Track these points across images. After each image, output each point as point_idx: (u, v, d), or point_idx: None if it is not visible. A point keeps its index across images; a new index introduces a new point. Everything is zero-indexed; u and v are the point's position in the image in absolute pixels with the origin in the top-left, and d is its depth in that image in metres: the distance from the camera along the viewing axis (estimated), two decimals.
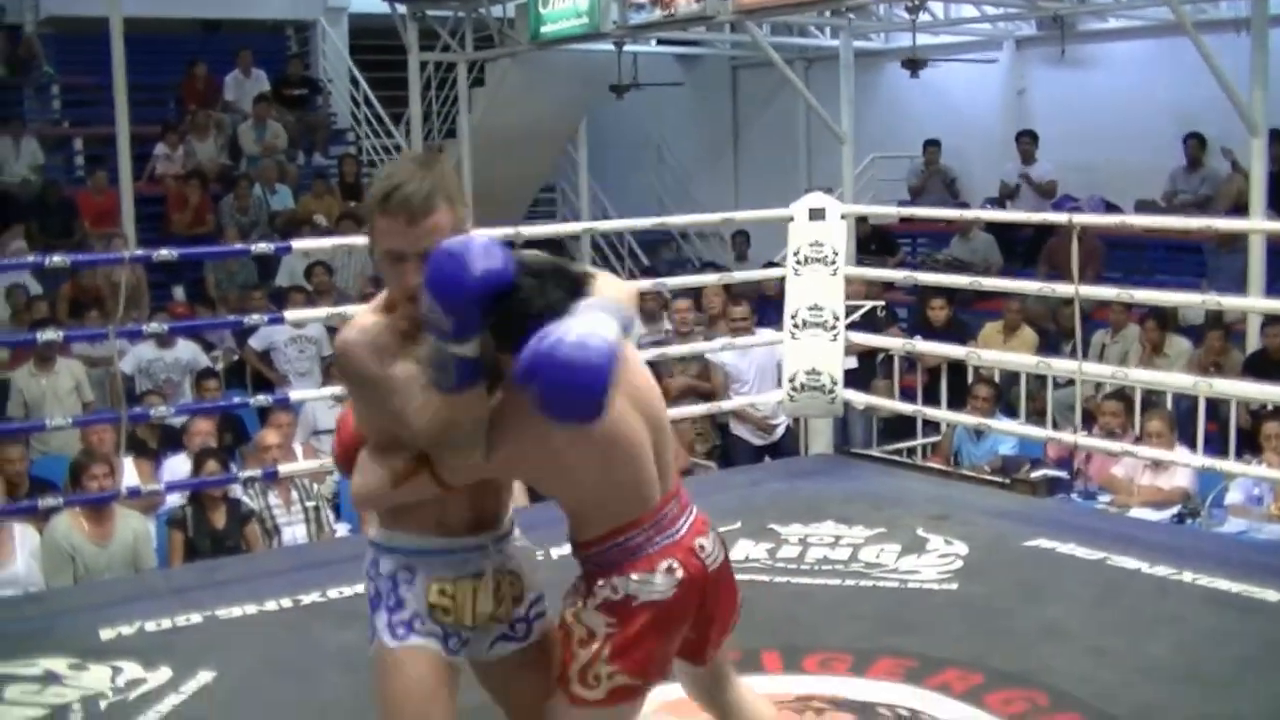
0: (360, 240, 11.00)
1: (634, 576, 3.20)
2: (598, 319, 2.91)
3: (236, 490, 7.74)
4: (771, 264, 10.60)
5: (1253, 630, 5.51)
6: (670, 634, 3.28)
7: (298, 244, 8.55)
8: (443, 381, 2.95)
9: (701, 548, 3.32)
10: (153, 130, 15.71)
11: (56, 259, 6.99)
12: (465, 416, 3.03)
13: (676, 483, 3.39)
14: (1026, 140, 14.98)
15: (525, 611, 3.37)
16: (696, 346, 9.36)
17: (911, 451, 9.58)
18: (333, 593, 6.00)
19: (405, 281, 2.98)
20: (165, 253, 7.13)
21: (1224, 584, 5.97)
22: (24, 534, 7.22)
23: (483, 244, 2.89)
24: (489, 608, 3.26)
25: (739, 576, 5.99)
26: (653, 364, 9.66)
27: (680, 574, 3.23)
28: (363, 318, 3.11)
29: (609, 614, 3.20)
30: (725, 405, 9.00)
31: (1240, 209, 11.78)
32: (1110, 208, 13.61)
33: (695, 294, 10.68)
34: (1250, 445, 8.27)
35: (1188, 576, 6.08)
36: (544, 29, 14.17)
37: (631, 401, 3.18)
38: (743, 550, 6.45)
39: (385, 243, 2.98)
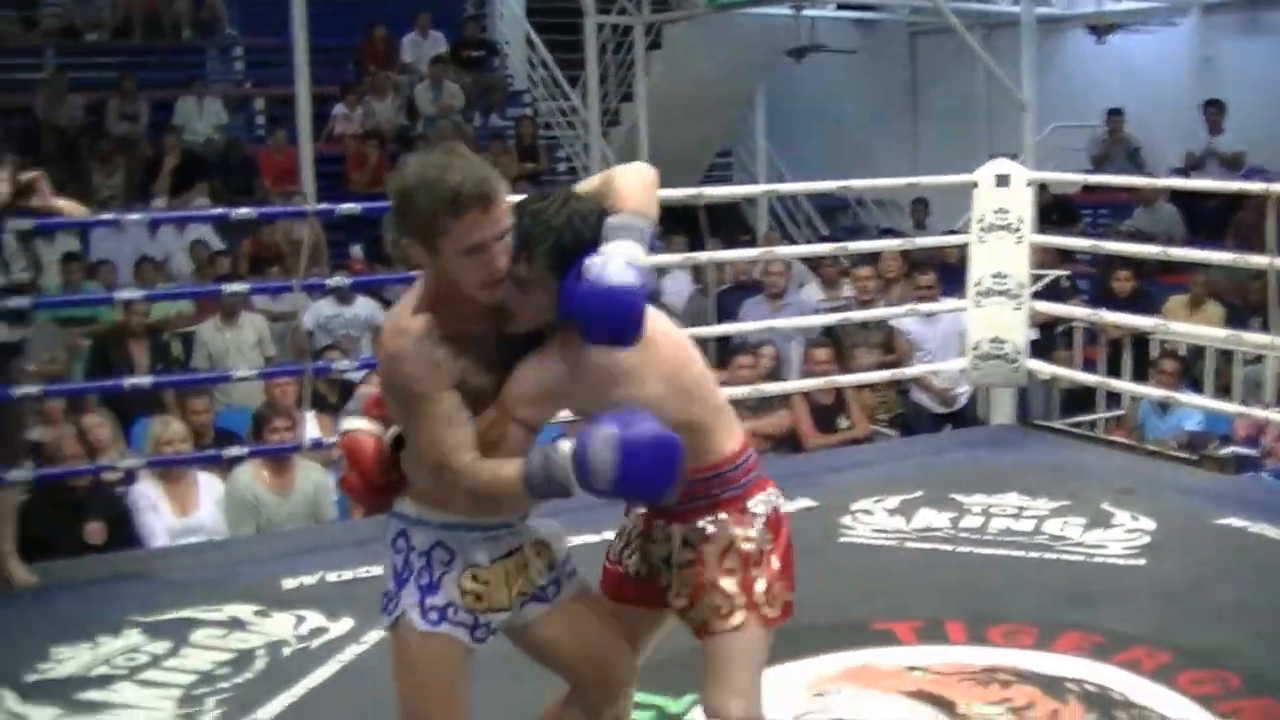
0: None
1: (772, 490, 3.31)
2: (624, 247, 2.96)
3: None
4: (951, 232, 10.46)
5: None
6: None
7: None
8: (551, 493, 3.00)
9: None
10: (332, 90, 15.86)
11: (243, 211, 7.07)
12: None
13: None
14: (1213, 110, 14.63)
15: (556, 574, 3.34)
16: (880, 312, 9.27)
17: (1093, 424, 9.41)
18: None
19: (495, 265, 2.93)
20: (348, 206, 7.19)
21: None
22: (209, 483, 7.34)
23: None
24: (524, 585, 3.25)
25: (922, 545, 6.05)
26: (833, 330, 9.65)
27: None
28: (409, 320, 3.01)
29: (769, 530, 3.25)
30: (907, 372, 8.89)
31: None
32: None
33: (874, 261, 10.57)
34: None
35: None
36: None
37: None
38: (925, 519, 6.38)
39: (468, 239, 2.89)
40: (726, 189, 11.31)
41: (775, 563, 3.25)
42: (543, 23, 17.51)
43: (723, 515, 3.23)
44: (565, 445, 2.93)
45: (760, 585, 3.23)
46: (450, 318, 3.00)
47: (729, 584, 3.22)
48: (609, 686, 3.48)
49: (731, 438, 3.25)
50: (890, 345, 9.77)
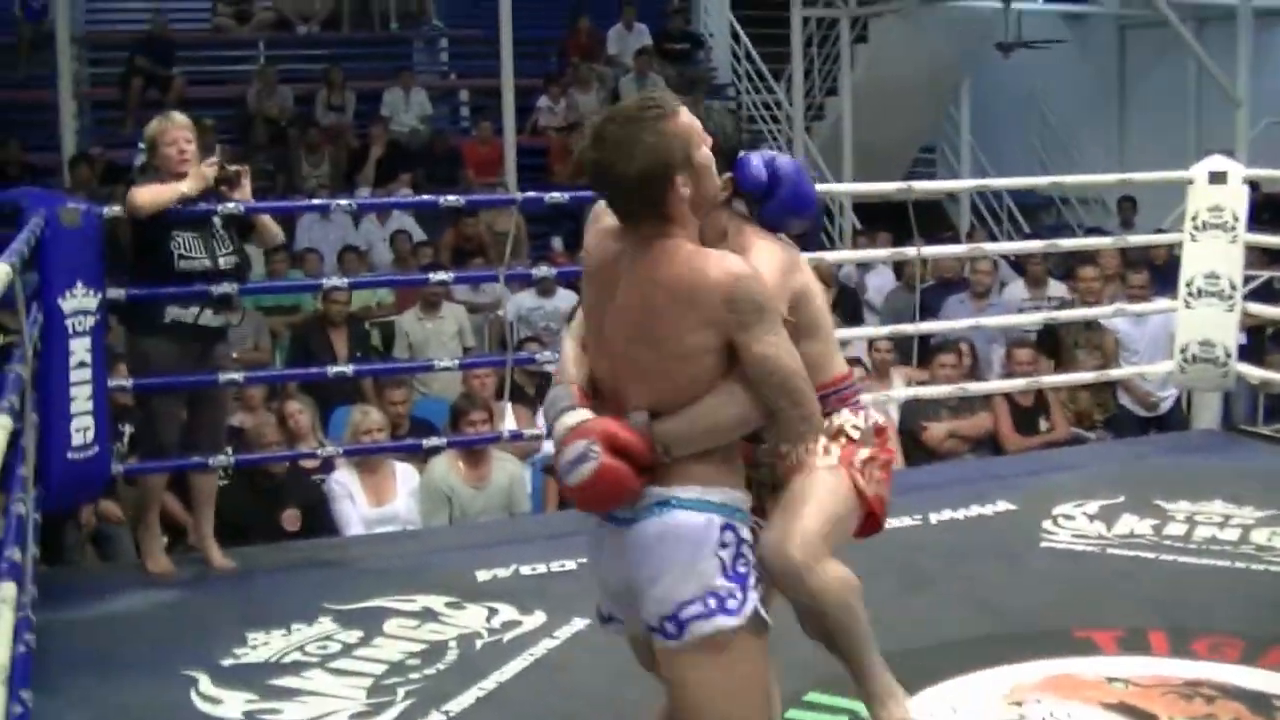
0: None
1: (874, 412, 3.60)
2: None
3: None
4: (1159, 231, 10.22)
5: None
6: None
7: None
8: None
9: None
10: (535, 82, 15.94)
11: (450, 198, 7.10)
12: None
13: None
14: None
15: None
16: (1088, 312, 9.07)
17: None
18: None
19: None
20: (555, 196, 7.19)
21: None
22: (405, 473, 7.40)
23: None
24: None
25: (1124, 552, 5.90)
26: (1052, 330, 9.47)
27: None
28: (725, 256, 3.04)
29: (876, 435, 3.52)
30: (1112, 374, 8.68)
31: None
32: None
33: (1094, 260, 10.38)
34: None
35: None
36: None
37: None
38: (1127, 525, 6.24)
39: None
40: (934, 184, 11.20)
41: (882, 455, 3.49)
42: (748, 15, 17.43)
43: (833, 412, 3.45)
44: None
45: (862, 454, 3.44)
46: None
47: (832, 447, 3.43)
48: None
49: (841, 364, 3.55)
50: (1099, 343, 9.58)
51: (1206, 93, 15.80)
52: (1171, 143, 15.42)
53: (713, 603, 3.01)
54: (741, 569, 3.04)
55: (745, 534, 3.07)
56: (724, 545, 3.02)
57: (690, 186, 3.01)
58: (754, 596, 3.06)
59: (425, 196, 10.84)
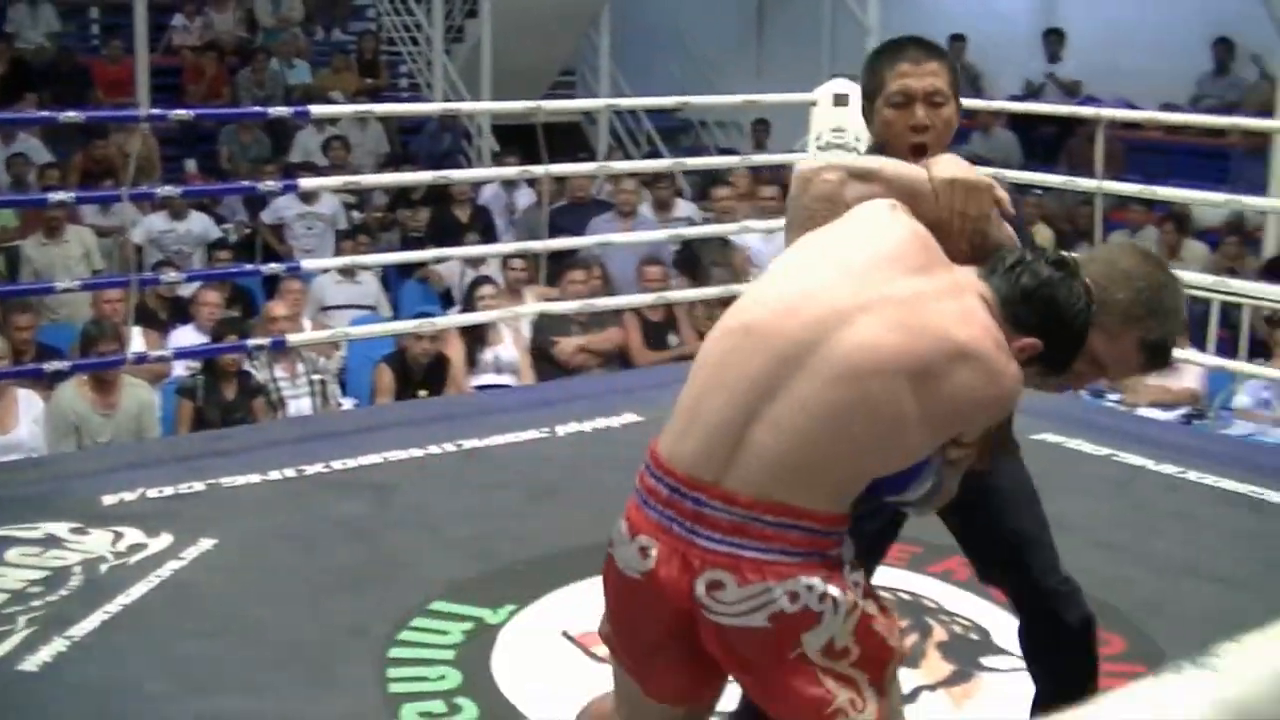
0: (384, 110, 11.14)
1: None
2: None
3: (247, 364, 7.71)
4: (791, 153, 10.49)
5: (1260, 529, 5.49)
6: (623, 622, 2.72)
7: (316, 110, 8.52)
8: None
9: None
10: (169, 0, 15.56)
11: (70, 114, 6.88)
12: None
13: None
14: (1053, 39, 14.83)
15: None
16: (719, 229, 9.31)
17: None
18: (336, 464, 5.98)
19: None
20: (182, 112, 7.03)
21: (1230, 484, 5.95)
22: (29, 400, 7.18)
23: None
24: None
25: None
26: (690, 247, 9.68)
27: (650, 565, 2.57)
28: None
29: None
30: (737, 288, 8.90)
31: (1267, 114, 11.66)
32: (1134, 110, 13.48)
33: (726, 180, 10.66)
34: (1261, 351, 8.24)
35: (1194, 475, 6.06)
36: None
37: None
38: None
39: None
40: (564, 103, 11.27)
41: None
42: None
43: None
44: None
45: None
46: None
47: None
48: None
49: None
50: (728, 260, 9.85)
51: (840, 22, 16.25)
52: (807, 70, 15.77)
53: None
54: None
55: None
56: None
57: None
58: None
59: (44, 113, 10.46)
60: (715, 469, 2.44)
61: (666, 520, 2.48)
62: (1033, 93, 14.65)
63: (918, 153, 3.07)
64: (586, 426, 6.54)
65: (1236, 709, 0.68)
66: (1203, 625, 4.51)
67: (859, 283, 2.46)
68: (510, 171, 8.92)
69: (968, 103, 11.03)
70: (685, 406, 2.54)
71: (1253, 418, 7.82)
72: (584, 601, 4.66)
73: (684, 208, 10.89)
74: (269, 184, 7.83)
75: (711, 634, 2.48)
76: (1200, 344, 7.84)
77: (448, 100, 14.73)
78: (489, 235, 10.76)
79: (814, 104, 7.88)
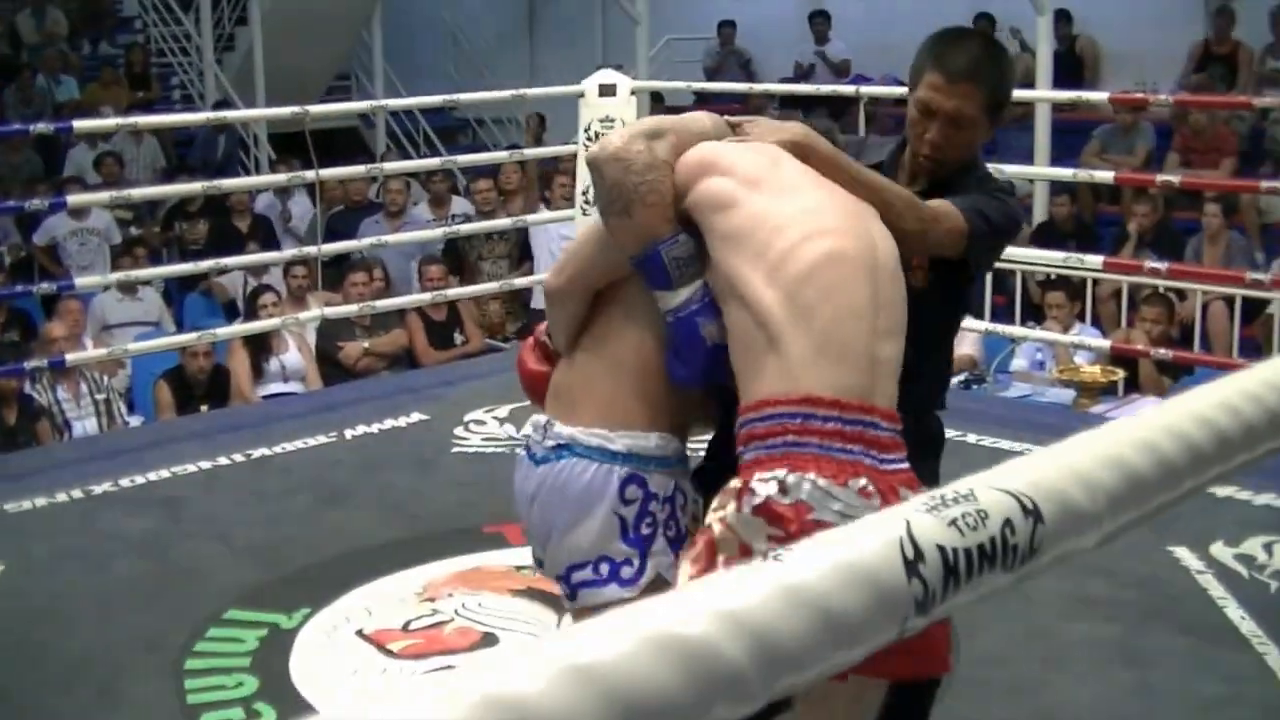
0: (149, 123, 11.00)
1: (815, 478, 2.49)
2: None
3: (28, 388, 7.60)
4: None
5: None
6: None
7: (79, 125, 8.38)
8: None
9: None
10: None
11: None
12: None
13: None
14: (820, 21, 15.09)
15: None
16: (487, 225, 9.40)
17: None
18: (124, 481, 5.92)
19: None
20: None
21: (1007, 443, 6.15)
22: None
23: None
24: None
25: (503, 451, 6.16)
26: (455, 243, 9.73)
27: (877, 503, 2.46)
28: None
29: (772, 522, 2.45)
30: (517, 283, 8.97)
31: (1028, 87, 12.02)
32: (903, 87, 13.77)
33: (493, 174, 10.72)
34: (1035, 315, 8.53)
35: (972, 437, 6.26)
36: None
37: None
38: (507, 430, 6.48)
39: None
40: (331, 106, 11.17)
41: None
42: None
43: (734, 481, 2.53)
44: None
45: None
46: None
47: (686, 572, 2.53)
48: None
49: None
50: (517, 259, 9.93)
51: (611, 13, 16.37)
52: (581, 63, 15.86)
53: (604, 569, 2.72)
54: (645, 530, 2.71)
55: (658, 488, 2.73)
56: (626, 502, 2.71)
57: None
58: (656, 564, 2.71)
59: None
60: (871, 390, 2.50)
61: (859, 455, 2.45)
62: (803, 74, 14.89)
63: (925, 171, 3.02)
64: (374, 428, 6.56)
65: (799, 594, 0.77)
66: None
67: (838, 201, 2.67)
68: (281, 178, 8.87)
69: (735, 86, 11.21)
70: (819, 344, 2.49)
71: (1028, 379, 8.10)
72: (377, 600, 4.73)
73: (460, 204, 10.93)
74: (35, 202, 7.70)
75: None
76: (978, 311, 8.10)
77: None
78: (269, 244, 10.68)
79: (582, 95, 7.97)
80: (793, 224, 2.57)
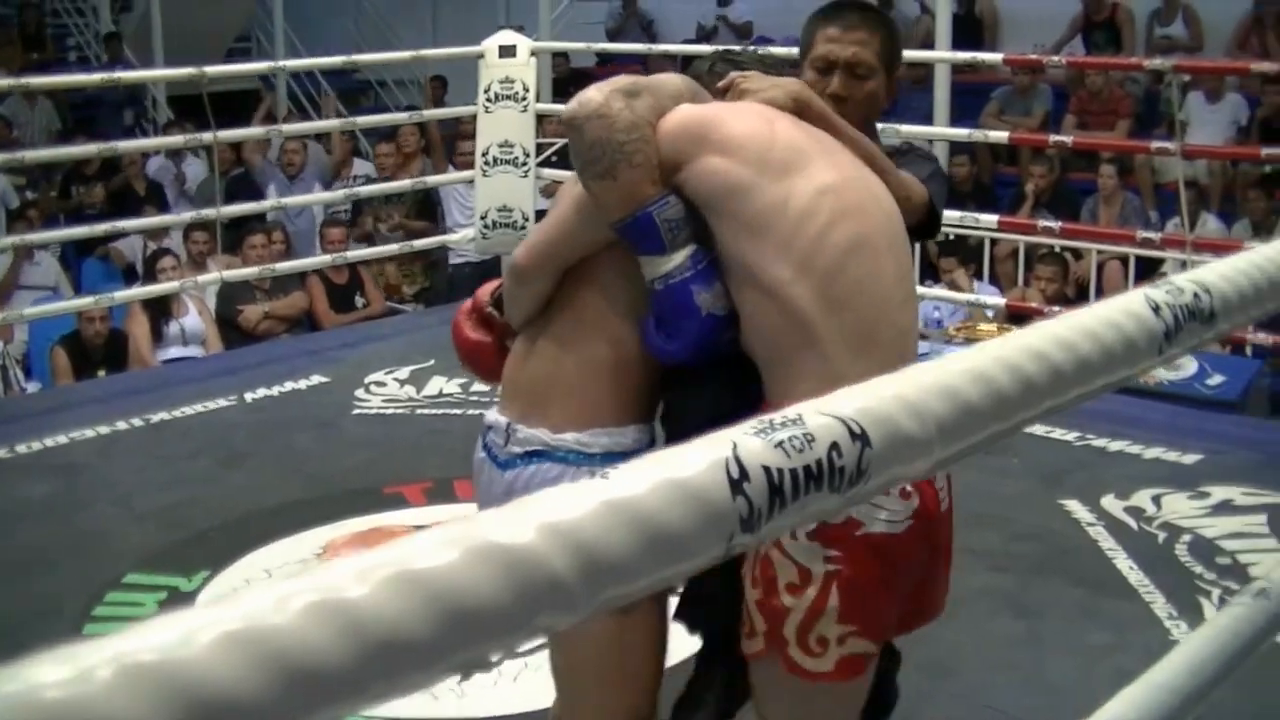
0: (42, 83, 10.86)
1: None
2: None
3: None
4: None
5: None
6: (900, 585, 2.50)
7: None
8: None
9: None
10: None
11: None
12: None
13: None
14: None
15: None
16: (387, 187, 9.38)
17: None
18: (20, 448, 5.88)
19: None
20: None
21: None
22: None
23: None
24: None
25: (433, 411, 6.20)
26: (359, 205, 9.71)
27: (916, 502, 2.45)
28: None
29: (828, 544, 2.39)
30: (417, 244, 8.93)
31: (928, 48, 12.11)
32: None
33: (392, 137, 10.69)
34: (932, 275, 8.63)
35: None
36: None
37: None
38: (436, 386, 6.53)
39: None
40: (229, 67, 11.09)
41: (832, 596, 2.39)
42: None
43: None
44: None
45: (793, 620, 2.41)
46: None
47: (751, 597, 2.47)
48: None
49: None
50: (410, 222, 9.91)
51: None
52: (483, 26, 15.79)
53: None
54: None
55: None
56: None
57: None
58: None
59: None
60: None
61: None
62: (705, 36, 14.91)
63: None
64: (274, 391, 6.55)
65: (624, 509, 0.81)
66: None
67: (848, 170, 2.58)
68: (178, 140, 8.79)
69: (638, 47, 11.23)
70: (855, 342, 2.43)
71: (926, 336, 8.20)
72: (277, 561, 4.74)
73: (360, 167, 10.90)
74: None
75: (947, 526, 2.56)
76: None
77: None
78: (164, 208, 10.62)
79: (481, 56, 7.97)
80: (815, 210, 2.45)
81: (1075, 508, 5.10)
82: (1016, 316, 7.69)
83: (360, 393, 6.49)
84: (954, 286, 8.22)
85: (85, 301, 7.67)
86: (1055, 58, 8.45)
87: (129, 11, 16.15)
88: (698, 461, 0.85)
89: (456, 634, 0.73)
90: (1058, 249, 8.20)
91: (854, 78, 2.84)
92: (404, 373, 6.67)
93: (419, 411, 6.28)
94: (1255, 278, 1.39)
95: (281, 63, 11.89)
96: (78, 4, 16.14)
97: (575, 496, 0.80)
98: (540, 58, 8.33)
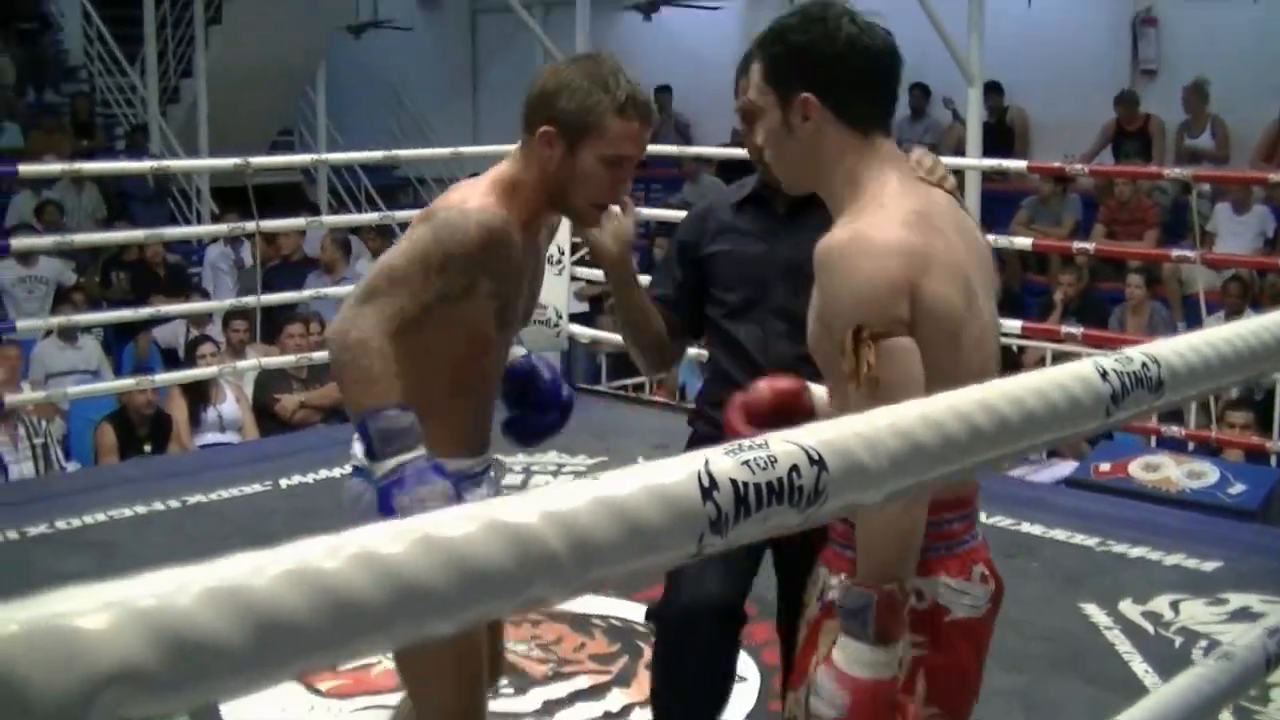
0: (93, 169, 11.06)
1: (947, 580, 2.42)
2: None
3: None
4: None
5: None
6: (980, 667, 2.51)
7: (24, 169, 8.36)
8: None
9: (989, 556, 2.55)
10: None
11: None
12: None
13: None
14: None
15: None
16: None
17: (639, 387, 9.78)
18: (60, 524, 6.01)
19: (618, 187, 2.94)
20: None
21: None
22: None
23: None
24: None
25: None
26: None
27: (993, 586, 2.48)
28: (485, 200, 2.85)
29: (915, 630, 2.36)
30: None
31: (961, 156, 12.28)
32: None
33: None
34: None
35: None
36: None
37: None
38: None
39: (617, 148, 2.84)
40: (272, 159, 11.31)
41: (919, 680, 2.37)
42: None
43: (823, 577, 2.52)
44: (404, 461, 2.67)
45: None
46: (520, 214, 2.88)
47: (829, 675, 2.32)
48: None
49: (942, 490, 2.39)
50: None
51: None
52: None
53: None
54: None
55: None
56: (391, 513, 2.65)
57: (546, 154, 2.89)
58: None
59: None
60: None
61: (970, 540, 2.47)
62: (739, 141, 15.06)
63: (774, 181, 2.94)
64: (309, 478, 6.68)
65: (612, 504, 0.95)
66: None
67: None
68: (221, 229, 8.98)
69: (669, 149, 11.36)
70: None
71: None
72: None
73: None
74: None
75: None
76: None
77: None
78: (188, 296, 10.81)
79: None
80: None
81: (1093, 611, 5.18)
82: None
83: None
84: None
85: (127, 383, 7.83)
86: (1079, 165, 8.54)
87: (176, 103, 16.44)
88: (676, 471, 0.99)
89: (469, 590, 0.88)
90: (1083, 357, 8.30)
91: (751, 126, 2.89)
92: None
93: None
94: (1206, 354, 1.51)
95: (325, 155, 12.11)
96: (127, 95, 16.43)
97: (572, 491, 0.94)
98: None
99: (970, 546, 2.44)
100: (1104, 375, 1.37)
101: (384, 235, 11.36)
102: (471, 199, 2.85)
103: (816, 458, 1.05)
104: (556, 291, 8.03)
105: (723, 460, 1.01)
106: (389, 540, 0.85)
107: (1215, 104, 12.43)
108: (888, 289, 2.23)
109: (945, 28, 10.61)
